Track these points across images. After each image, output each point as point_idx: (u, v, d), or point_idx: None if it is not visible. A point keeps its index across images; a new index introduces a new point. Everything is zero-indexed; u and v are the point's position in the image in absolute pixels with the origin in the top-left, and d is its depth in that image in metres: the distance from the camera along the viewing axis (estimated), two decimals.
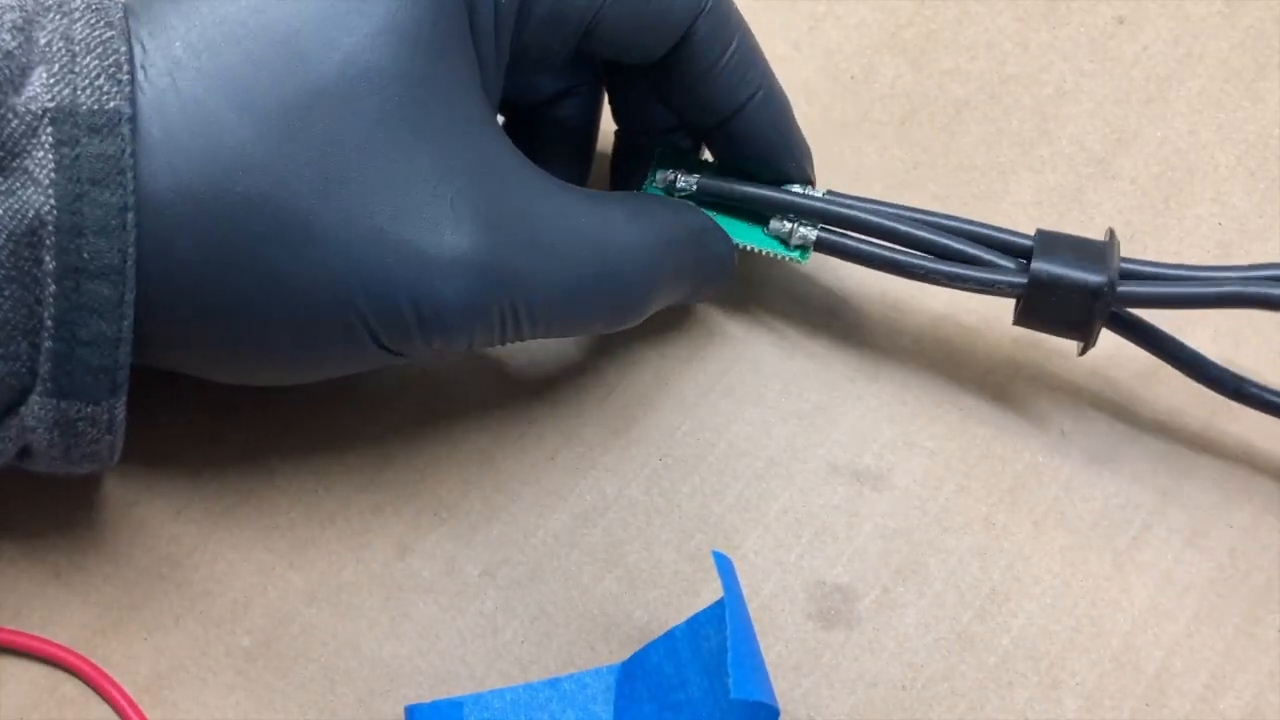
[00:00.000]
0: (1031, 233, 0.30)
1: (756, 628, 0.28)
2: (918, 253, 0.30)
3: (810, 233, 0.30)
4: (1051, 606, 0.29)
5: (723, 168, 0.31)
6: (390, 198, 0.24)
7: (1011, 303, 0.30)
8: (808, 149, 0.31)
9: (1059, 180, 0.35)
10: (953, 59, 0.37)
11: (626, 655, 0.28)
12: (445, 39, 0.25)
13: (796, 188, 0.31)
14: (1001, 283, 0.29)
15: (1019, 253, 0.30)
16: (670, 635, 0.26)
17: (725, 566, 0.25)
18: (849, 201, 0.30)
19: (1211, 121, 0.36)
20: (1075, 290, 0.28)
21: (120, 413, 0.25)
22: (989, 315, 0.33)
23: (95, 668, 0.28)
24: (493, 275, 0.25)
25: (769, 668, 0.28)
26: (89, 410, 0.24)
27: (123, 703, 0.27)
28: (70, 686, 0.28)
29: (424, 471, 0.30)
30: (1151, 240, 0.34)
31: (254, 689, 0.28)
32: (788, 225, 0.30)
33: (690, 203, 0.31)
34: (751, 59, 0.29)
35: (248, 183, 0.23)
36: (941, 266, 0.29)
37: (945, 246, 0.30)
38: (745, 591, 0.29)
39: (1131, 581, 0.30)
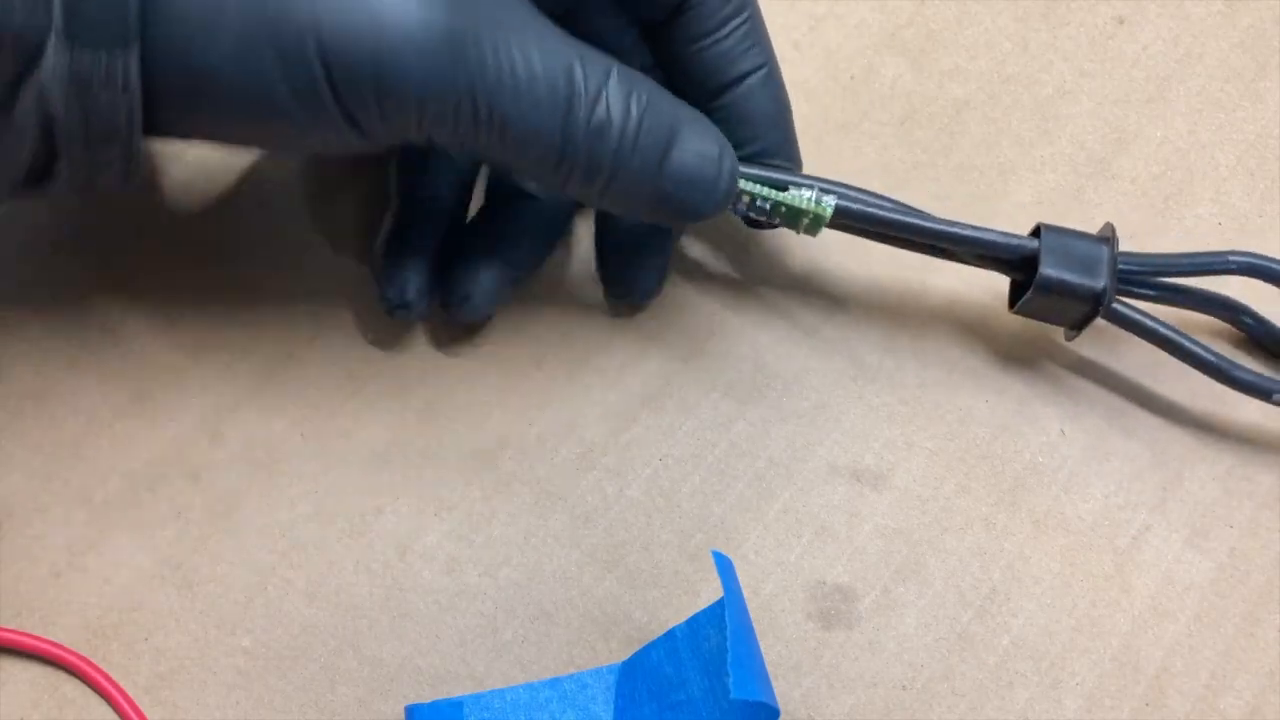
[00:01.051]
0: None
1: (756, 628, 0.29)
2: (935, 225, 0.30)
3: (830, 200, 0.30)
4: (1051, 606, 0.29)
5: None
6: None
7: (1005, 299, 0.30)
8: (799, 155, 0.31)
9: (1059, 180, 0.35)
10: (953, 59, 0.37)
11: (627, 655, 0.28)
12: None
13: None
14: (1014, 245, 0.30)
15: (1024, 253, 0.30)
16: (670, 635, 0.26)
17: (725, 566, 0.25)
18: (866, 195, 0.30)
19: (1211, 121, 0.36)
20: (1077, 294, 0.30)
21: (135, 68, 0.25)
22: (988, 314, 0.33)
23: (96, 667, 0.28)
24: (456, 53, 0.25)
25: (769, 667, 0.28)
26: (103, 61, 0.24)
27: (123, 703, 0.27)
28: (70, 686, 0.28)
29: (424, 472, 0.30)
30: (1151, 240, 0.34)
31: (254, 689, 0.28)
32: (807, 193, 0.30)
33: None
34: (760, 35, 0.29)
35: None
36: (959, 230, 0.30)
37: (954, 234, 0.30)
38: (745, 591, 0.29)
39: (1132, 582, 0.30)
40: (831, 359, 0.32)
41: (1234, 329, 0.32)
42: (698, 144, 0.28)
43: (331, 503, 0.30)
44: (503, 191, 0.32)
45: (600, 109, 0.26)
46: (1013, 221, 0.34)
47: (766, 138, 0.30)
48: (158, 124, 0.26)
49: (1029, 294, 0.30)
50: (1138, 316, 0.30)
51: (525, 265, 0.32)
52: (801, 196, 0.30)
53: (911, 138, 0.35)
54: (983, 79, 0.36)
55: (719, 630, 0.25)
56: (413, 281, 0.31)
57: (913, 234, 0.30)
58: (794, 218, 0.30)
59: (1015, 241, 0.30)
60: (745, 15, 0.29)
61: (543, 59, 0.26)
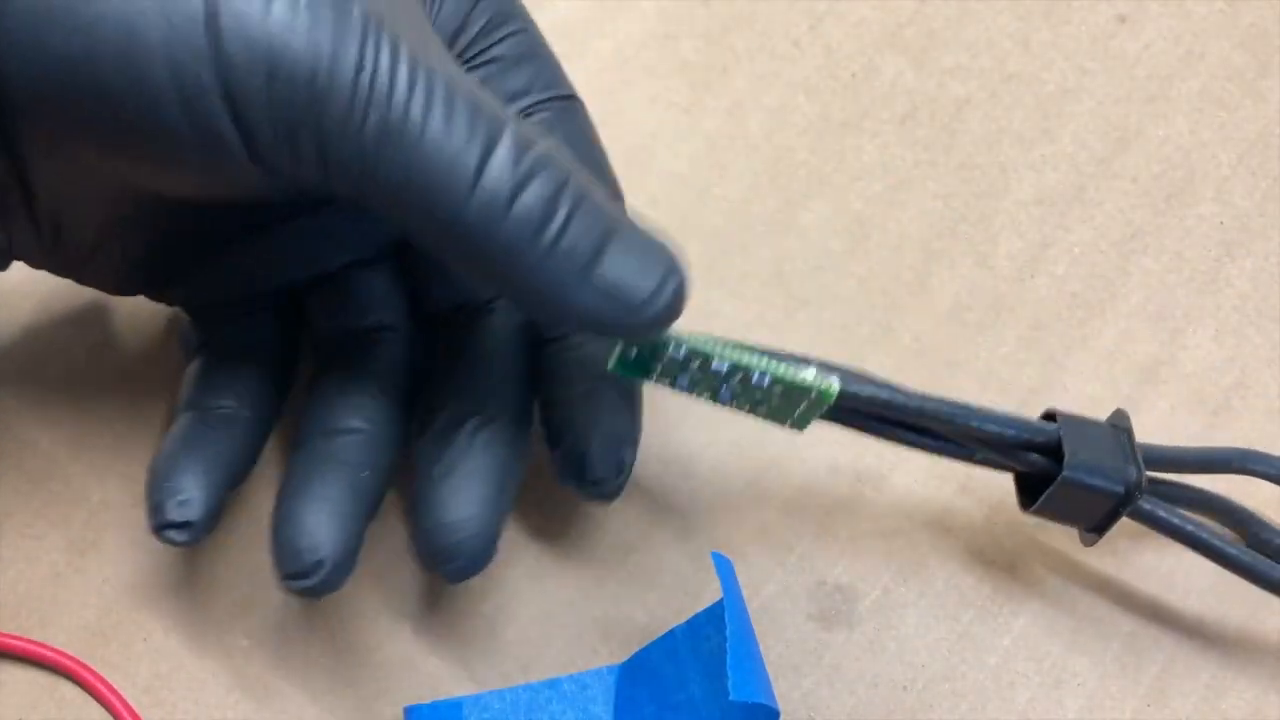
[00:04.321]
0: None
1: (757, 628, 0.28)
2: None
3: (834, 378, 0.25)
4: (1053, 607, 0.29)
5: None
6: None
7: None
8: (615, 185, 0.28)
9: (1060, 179, 0.35)
10: (954, 57, 0.37)
11: (627, 656, 0.28)
12: None
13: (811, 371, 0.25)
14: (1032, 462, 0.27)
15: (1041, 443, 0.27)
16: (670, 636, 0.26)
17: (724, 567, 0.25)
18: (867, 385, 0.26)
19: (1213, 120, 0.36)
20: (1104, 490, 0.27)
21: None
22: (990, 316, 0.33)
23: (90, 670, 0.28)
24: (360, 52, 0.22)
25: (769, 668, 0.28)
26: None
27: (118, 705, 0.27)
28: (69, 687, 0.28)
29: None
30: (1153, 239, 0.34)
31: (253, 690, 0.28)
32: (805, 370, 0.25)
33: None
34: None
35: None
36: (973, 414, 0.27)
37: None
38: (746, 592, 0.29)
39: (1134, 582, 0.30)
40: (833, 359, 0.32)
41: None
42: (635, 258, 0.23)
43: None
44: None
45: (525, 198, 0.22)
46: (1014, 222, 0.34)
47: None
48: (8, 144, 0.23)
49: (1053, 488, 0.27)
50: (1166, 515, 0.27)
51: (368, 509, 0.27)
52: (802, 373, 0.25)
53: (912, 136, 0.35)
54: (984, 77, 0.36)
55: (719, 631, 0.25)
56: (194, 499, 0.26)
57: (924, 417, 0.26)
58: (786, 402, 0.25)
59: (1035, 426, 0.27)
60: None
61: (468, 107, 0.22)
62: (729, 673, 0.23)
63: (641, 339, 0.25)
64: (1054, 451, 0.27)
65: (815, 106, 0.36)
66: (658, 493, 0.30)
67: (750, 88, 0.36)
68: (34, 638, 0.28)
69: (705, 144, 0.35)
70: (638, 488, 0.30)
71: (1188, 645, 0.29)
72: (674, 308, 0.24)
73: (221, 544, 0.29)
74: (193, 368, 0.28)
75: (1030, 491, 0.28)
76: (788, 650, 0.29)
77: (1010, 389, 0.32)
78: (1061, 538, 0.30)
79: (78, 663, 0.28)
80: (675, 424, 0.31)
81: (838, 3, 0.37)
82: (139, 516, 0.29)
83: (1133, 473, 0.27)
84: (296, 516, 0.25)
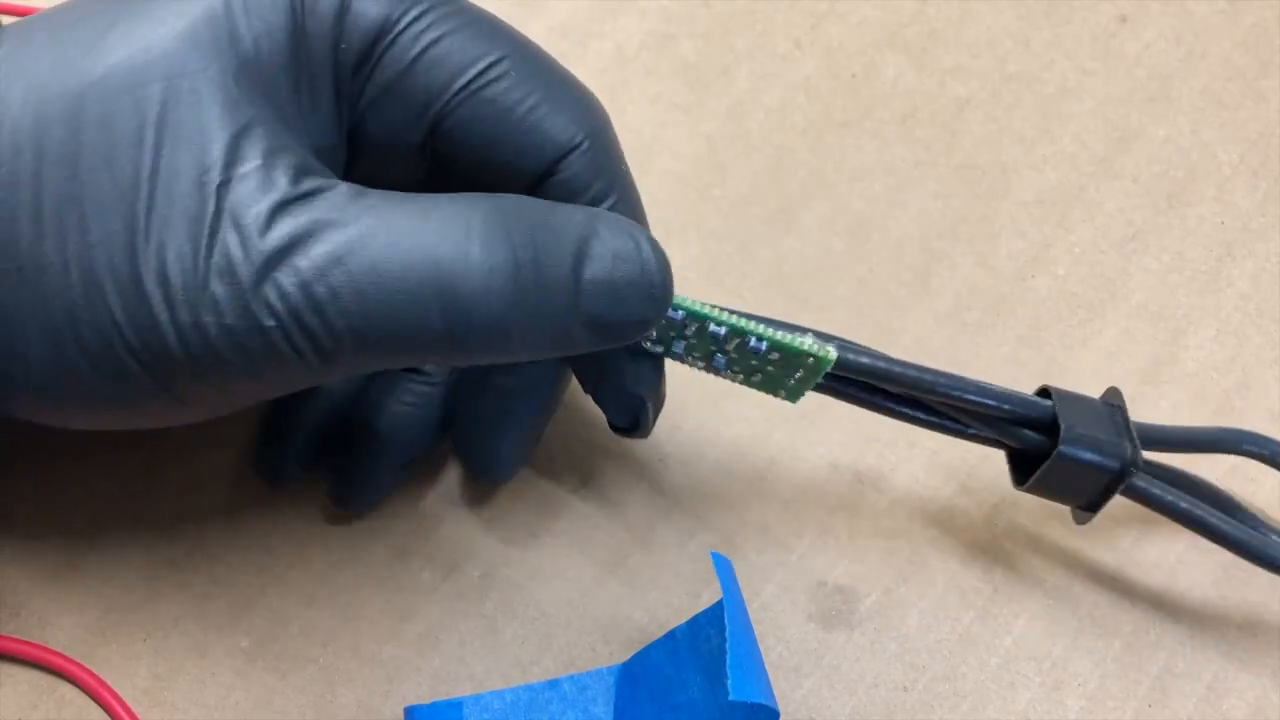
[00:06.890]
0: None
1: (757, 629, 0.28)
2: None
3: (832, 347, 0.26)
4: (1054, 607, 0.29)
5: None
6: (159, 187, 0.23)
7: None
8: (635, 198, 0.27)
9: (1061, 179, 0.35)
10: (954, 57, 0.37)
11: (626, 657, 0.28)
12: (261, 61, 0.24)
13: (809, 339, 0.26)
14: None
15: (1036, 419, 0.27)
16: (671, 636, 0.26)
17: (724, 567, 0.25)
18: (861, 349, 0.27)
19: (1214, 120, 0.36)
20: (1102, 466, 0.27)
21: None
22: (991, 316, 0.33)
23: (89, 672, 0.28)
24: (265, 271, 0.22)
25: (770, 669, 0.28)
26: None
27: (117, 706, 0.27)
28: (69, 688, 0.28)
29: (425, 474, 0.30)
30: (1154, 239, 0.34)
31: (253, 690, 0.28)
32: (802, 337, 0.26)
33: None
34: (527, 72, 0.26)
35: (15, 165, 0.23)
36: (967, 385, 0.27)
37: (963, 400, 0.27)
38: (746, 592, 0.29)
39: (1134, 581, 0.30)
40: None
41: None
42: (609, 244, 0.23)
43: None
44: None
45: (478, 279, 0.22)
46: (1015, 221, 0.34)
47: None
48: None
49: (1048, 463, 0.27)
50: (1161, 493, 0.27)
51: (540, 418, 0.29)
52: (798, 339, 0.25)
53: (913, 136, 0.35)
54: (984, 77, 0.36)
55: (719, 631, 0.25)
56: (289, 460, 0.29)
57: (919, 389, 0.27)
58: (781, 369, 0.26)
59: (1029, 400, 0.27)
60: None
61: (378, 246, 0.22)
62: (729, 673, 0.23)
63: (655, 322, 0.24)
64: (1048, 428, 0.27)
65: (815, 106, 0.36)
66: (657, 493, 0.30)
67: (750, 88, 0.36)
68: (34, 638, 0.28)
69: (705, 144, 0.35)
70: (638, 488, 0.30)
71: (1189, 645, 0.29)
72: (665, 275, 0.24)
73: (222, 543, 0.29)
74: None
75: (1023, 468, 0.28)
76: (788, 650, 0.29)
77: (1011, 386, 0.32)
78: (1063, 537, 0.30)
79: (77, 664, 0.28)
80: (676, 424, 0.31)
81: (838, 3, 0.37)
82: (138, 516, 0.29)
83: (1128, 448, 0.27)
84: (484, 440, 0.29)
